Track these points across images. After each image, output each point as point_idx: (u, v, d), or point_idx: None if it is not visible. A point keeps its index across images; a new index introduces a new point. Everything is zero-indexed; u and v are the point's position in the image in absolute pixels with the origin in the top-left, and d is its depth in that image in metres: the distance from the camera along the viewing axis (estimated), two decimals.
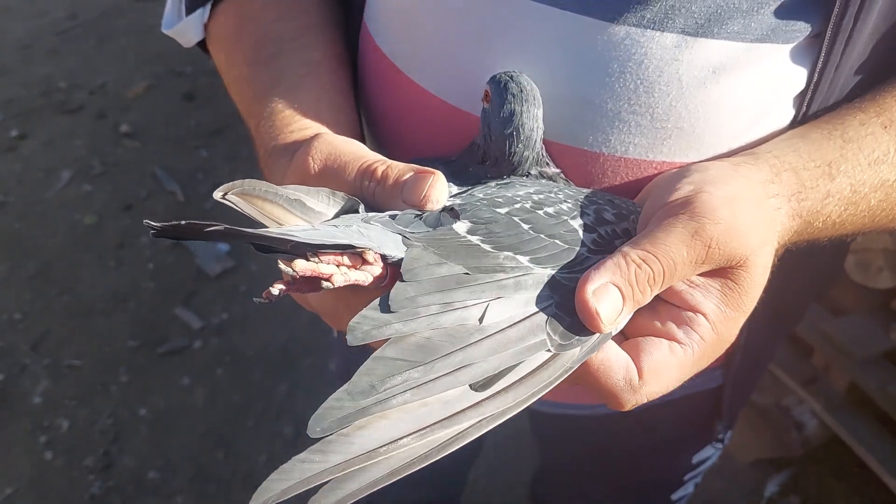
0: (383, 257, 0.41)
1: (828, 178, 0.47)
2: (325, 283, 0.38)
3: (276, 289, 0.38)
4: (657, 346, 0.40)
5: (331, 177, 0.47)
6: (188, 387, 1.94)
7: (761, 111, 0.52)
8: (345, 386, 0.33)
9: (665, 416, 0.82)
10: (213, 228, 0.36)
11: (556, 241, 0.43)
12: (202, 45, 0.71)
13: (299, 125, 0.56)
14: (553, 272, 0.41)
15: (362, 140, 0.59)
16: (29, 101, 2.85)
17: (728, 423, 0.86)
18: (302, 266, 0.38)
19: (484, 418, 0.36)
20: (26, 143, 2.66)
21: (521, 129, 0.50)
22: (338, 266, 0.39)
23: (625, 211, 0.46)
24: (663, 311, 0.41)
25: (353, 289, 0.41)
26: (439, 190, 0.44)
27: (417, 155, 0.57)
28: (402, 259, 0.41)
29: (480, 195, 0.47)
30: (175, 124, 2.77)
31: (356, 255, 0.40)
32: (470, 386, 0.36)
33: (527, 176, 0.52)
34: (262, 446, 1.82)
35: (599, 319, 0.38)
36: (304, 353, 2.02)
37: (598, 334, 0.39)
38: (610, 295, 0.38)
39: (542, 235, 0.43)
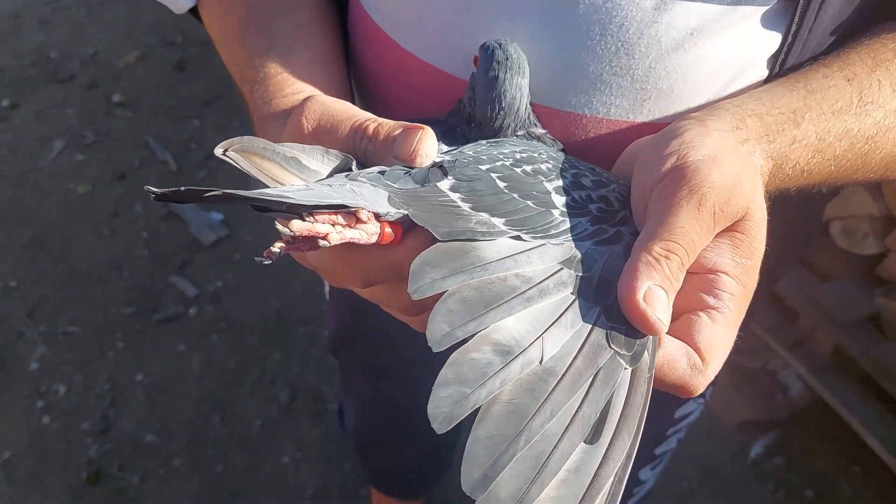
0: (377, 215, 0.42)
1: (793, 124, 0.48)
2: (321, 242, 0.40)
3: (277, 247, 0.39)
4: (700, 322, 0.40)
5: (324, 135, 0.48)
6: (184, 353, 1.96)
7: (737, 72, 0.54)
8: (461, 480, 0.33)
9: None
10: (211, 193, 0.37)
11: (529, 203, 0.43)
12: (193, 11, 0.72)
13: (292, 89, 0.57)
14: (541, 242, 0.41)
15: (353, 103, 0.60)
16: (20, 70, 2.84)
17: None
18: (298, 226, 0.39)
19: (618, 468, 0.35)
20: (18, 113, 2.65)
21: (502, 97, 0.51)
22: (333, 225, 0.40)
23: (604, 179, 0.47)
24: (687, 283, 0.41)
25: (350, 246, 0.42)
26: (428, 144, 0.45)
27: (407, 118, 0.59)
28: (391, 213, 0.42)
29: (470, 152, 0.48)
30: (167, 94, 2.76)
31: (350, 213, 0.41)
32: (584, 442, 0.35)
33: (515, 136, 0.53)
34: (258, 411, 1.85)
35: (661, 323, 0.38)
36: (298, 321, 2.04)
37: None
38: (658, 297, 0.38)
39: (517, 196, 0.43)
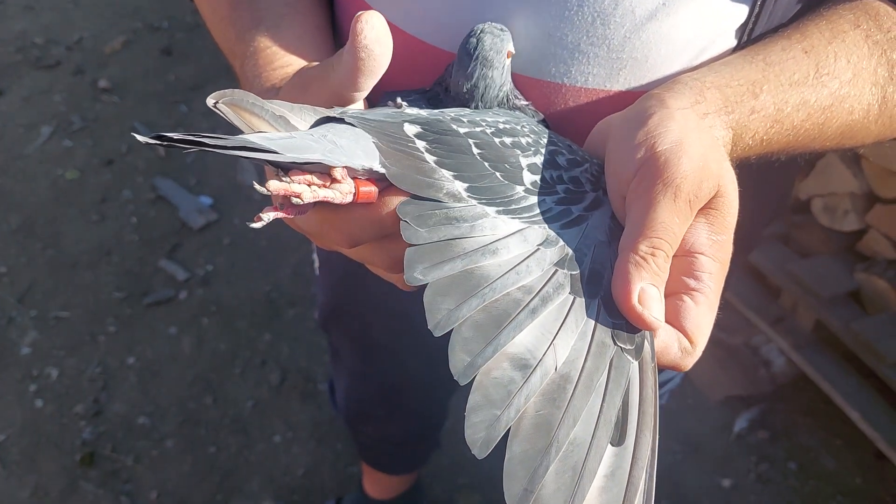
0: (354, 172, 0.43)
1: (751, 95, 0.50)
2: (294, 200, 0.41)
3: (266, 215, 0.41)
4: (685, 306, 0.42)
5: (313, 92, 0.50)
6: (175, 336, 1.98)
7: (708, 41, 0.56)
8: (505, 497, 0.34)
9: None
10: (199, 140, 0.39)
11: (497, 175, 0.44)
12: None
13: (282, 62, 0.58)
14: (534, 249, 0.42)
15: None
16: (5, 57, 2.83)
17: None
18: (275, 186, 0.40)
19: (647, 465, 0.37)
20: (4, 100, 2.65)
21: (468, 81, 0.53)
22: (308, 185, 0.42)
23: (578, 158, 0.48)
24: (670, 267, 0.43)
25: (334, 207, 0.44)
26: (369, 14, 0.45)
27: (392, 90, 0.60)
28: (373, 169, 0.43)
29: (451, 114, 0.49)
30: (154, 80, 2.75)
31: (325, 173, 0.43)
32: (611, 444, 0.36)
33: (500, 106, 0.55)
34: (249, 392, 1.86)
35: (657, 321, 0.40)
36: (288, 304, 2.05)
37: None
38: (650, 295, 0.40)
39: (486, 164, 0.44)
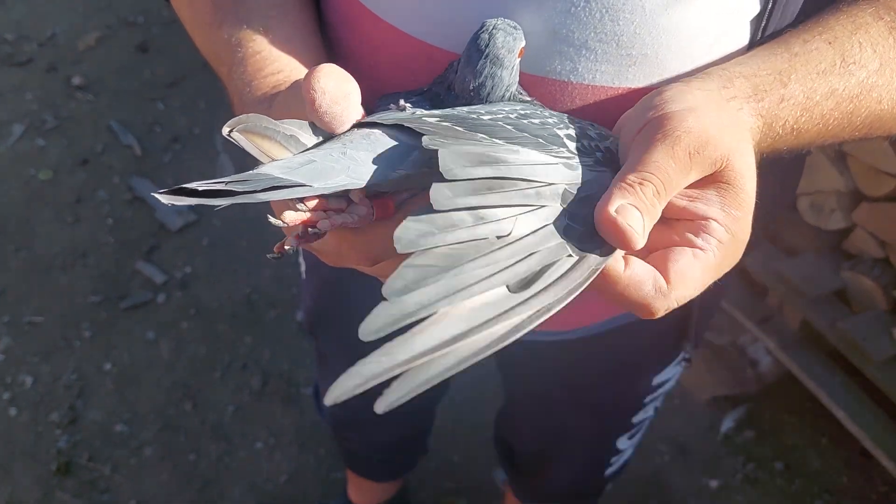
0: (374, 192, 0.43)
1: (780, 84, 0.49)
2: (311, 230, 0.41)
3: (288, 245, 0.42)
4: (681, 253, 0.41)
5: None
6: (153, 341, 1.94)
7: (721, 35, 0.54)
8: (383, 289, 0.34)
9: (632, 338, 0.85)
10: (227, 190, 0.38)
11: (539, 140, 0.44)
12: None
13: (272, 68, 0.56)
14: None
15: None
16: None
17: (695, 342, 0.90)
18: (291, 217, 0.40)
19: (533, 312, 0.37)
20: None
21: (474, 79, 0.52)
22: (324, 211, 0.41)
23: (605, 133, 0.48)
24: (678, 227, 0.43)
25: (354, 229, 0.43)
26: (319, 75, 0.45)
27: (384, 91, 0.58)
28: (388, 186, 0.42)
29: (465, 110, 0.49)
30: (129, 76, 2.70)
31: (341, 196, 0.42)
32: (507, 288, 0.37)
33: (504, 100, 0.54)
34: (230, 397, 1.83)
35: (633, 231, 0.39)
36: (269, 306, 2.02)
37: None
38: (631, 212, 0.39)
39: (527, 134, 0.44)
